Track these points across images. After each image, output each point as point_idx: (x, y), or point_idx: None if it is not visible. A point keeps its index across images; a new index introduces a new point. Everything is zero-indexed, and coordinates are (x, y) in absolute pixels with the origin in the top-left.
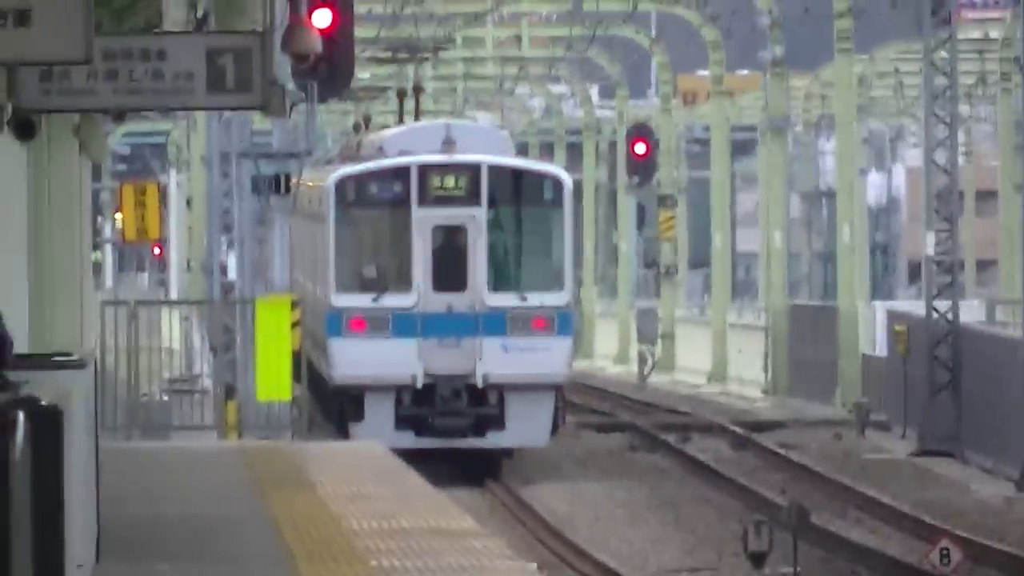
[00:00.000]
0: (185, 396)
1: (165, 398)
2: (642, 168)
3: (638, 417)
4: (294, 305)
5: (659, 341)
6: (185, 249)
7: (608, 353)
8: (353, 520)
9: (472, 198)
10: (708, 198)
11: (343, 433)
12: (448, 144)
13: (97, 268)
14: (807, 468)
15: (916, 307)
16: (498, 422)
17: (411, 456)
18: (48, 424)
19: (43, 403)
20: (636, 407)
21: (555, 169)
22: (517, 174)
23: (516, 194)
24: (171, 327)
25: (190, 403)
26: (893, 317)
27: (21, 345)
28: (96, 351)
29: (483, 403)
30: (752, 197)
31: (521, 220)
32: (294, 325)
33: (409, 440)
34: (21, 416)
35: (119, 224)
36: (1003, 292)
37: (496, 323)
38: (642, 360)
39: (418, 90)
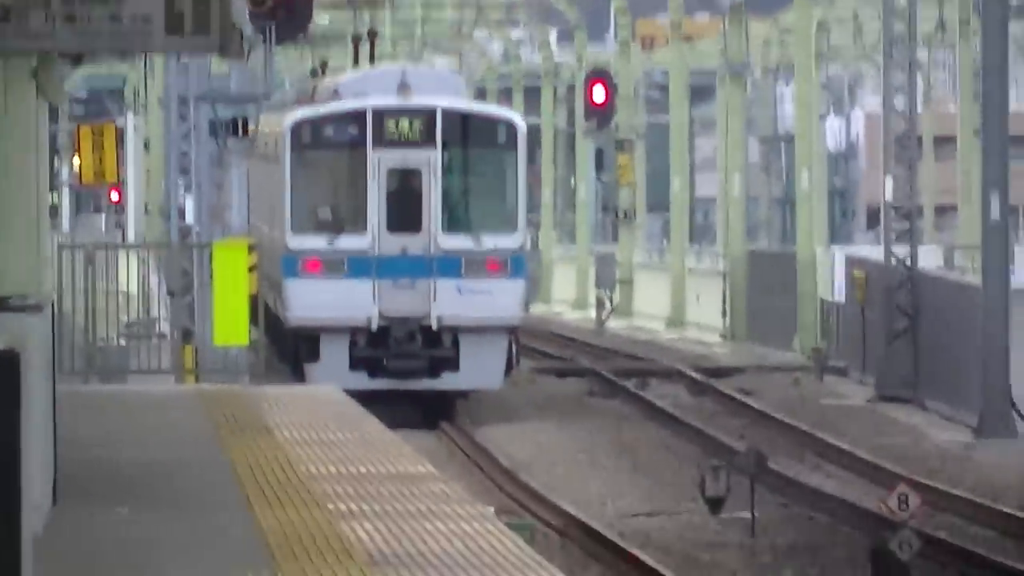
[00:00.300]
0: (143, 340)
1: (122, 342)
2: (600, 113)
3: (596, 362)
4: (251, 249)
5: (617, 286)
6: (143, 192)
7: (566, 298)
8: (311, 464)
9: (427, 141)
10: (667, 143)
11: (298, 374)
12: (404, 88)
13: (54, 211)
14: (765, 414)
15: (874, 253)
16: (452, 364)
17: (367, 398)
18: (5, 368)
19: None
20: (594, 352)
21: (509, 113)
22: (471, 118)
23: (470, 138)
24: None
25: (147, 347)
26: (851, 263)
27: None
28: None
29: (437, 345)
30: (711, 142)
31: (475, 163)
32: (251, 269)
33: (364, 381)
34: None
35: (76, 167)
36: (961, 238)
37: (450, 265)
38: (600, 305)
39: (372, 35)
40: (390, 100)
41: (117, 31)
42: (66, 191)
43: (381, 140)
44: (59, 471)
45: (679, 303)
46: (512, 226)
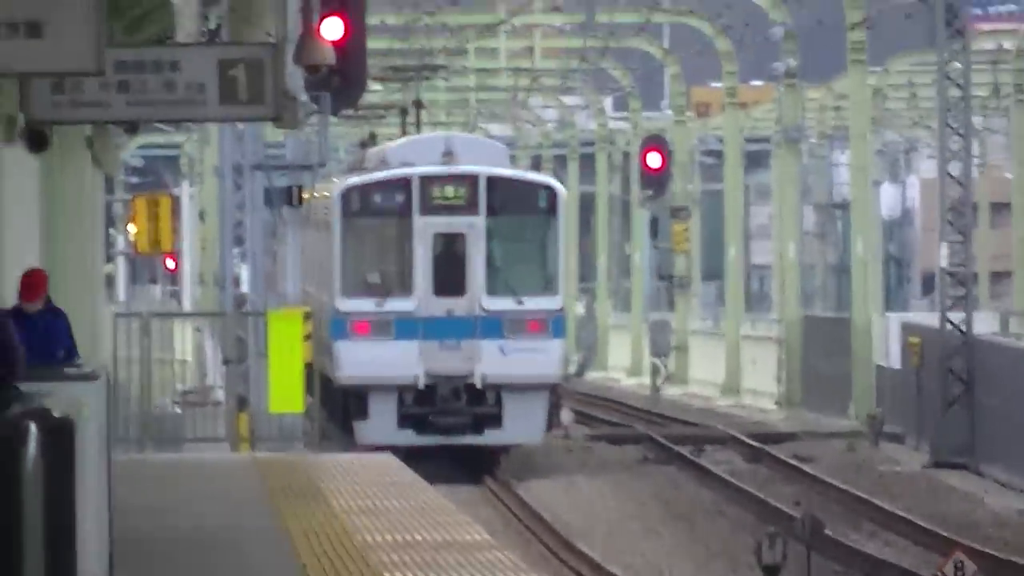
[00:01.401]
0: (198, 408)
1: (178, 410)
2: (656, 180)
3: (652, 429)
4: (306, 318)
5: (672, 353)
6: (198, 261)
7: (622, 365)
8: (366, 533)
9: (470, 207)
10: (722, 210)
11: (348, 432)
12: (448, 155)
13: (110, 280)
14: (821, 480)
15: (930, 319)
16: (496, 420)
17: (414, 453)
18: (60, 436)
19: (55, 415)
20: (650, 419)
21: (549, 179)
22: (513, 184)
23: (512, 203)
24: (184, 339)
25: (203, 415)
26: (907, 329)
27: None
28: (109, 363)
29: (481, 402)
30: (766, 209)
31: (517, 228)
32: (306, 338)
33: (411, 438)
34: (33, 428)
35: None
36: (1017, 304)
37: (493, 326)
38: (655, 372)
39: (419, 105)
40: (435, 167)
41: (172, 100)
42: (122, 260)
43: (427, 206)
44: (114, 542)
45: (734, 370)
46: (552, 288)
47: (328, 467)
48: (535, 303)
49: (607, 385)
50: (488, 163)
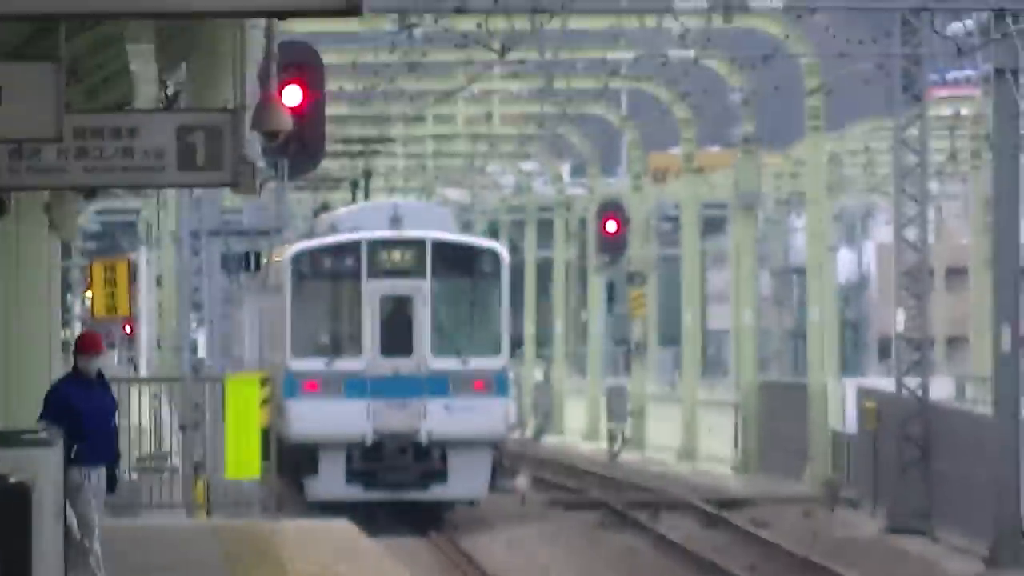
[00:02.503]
0: (155, 474)
1: (135, 476)
2: (613, 245)
3: (608, 494)
4: (263, 383)
5: (629, 418)
6: (155, 326)
7: (579, 429)
8: None
9: (417, 270)
10: (679, 275)
11: (298, 488)
12: (395, 221)
13: (66, 346)
14: (778, 546)
15: (886, 384)
16: (441, 476)
17: (361, 508)
18: (16, 501)
19: (11, 480)
20: (606, 484)
21: (493, 244)
22: (459, 248)
23: (457, 267)
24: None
25: (159, 481)
26: (863, 394)
27: None
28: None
29: (427, 459)
30: (723, 274)
31: (462, 290)
32: (263, 403)
33: (359, 493)
34: None
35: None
36: (973, 368)
37: (439, 385)
38: (612, 437)
39: (367, 176)
40: (383, 232)
41: (130, 166)
42: (78, 325)
43: (375, 270)
44: None
45: (691, 435)
46: (497, 348)
47: (285, 533)
48: (479, 363)
49: (564, 449)
50: (434, 228)
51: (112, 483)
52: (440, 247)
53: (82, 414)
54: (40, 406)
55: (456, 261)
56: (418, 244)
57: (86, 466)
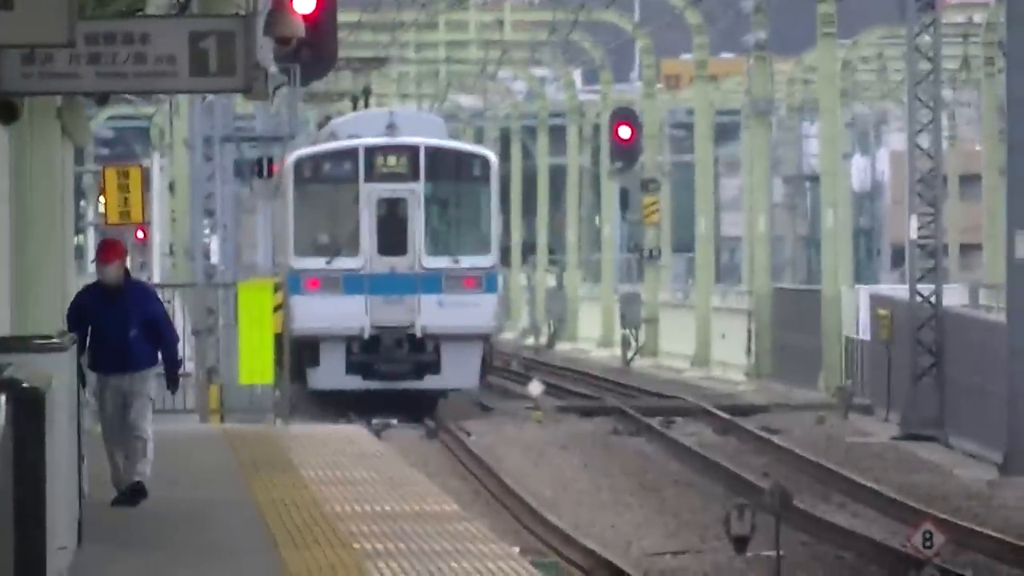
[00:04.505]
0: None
1: None
2: (626, 152)
3: (622, 401)
4: (276, 289)
5: (643, 325)
6: (168, 233)
7: (592, 337)
8: (336, 504)
9: (411, 175)
10: (692, 182)
11: (301, 378)
12: (391, 128)
13: (80, 251)
14: (790, 452)
15: (899, 291)
16: (435, 367)
17: (361, 397)
18: (30, 407)
19: (25, 385)
20: (620, 391)
21: (483, 150)
22: (450, 154)
23: (449, 171)
24: None
25: None
26: (876, 301)
27: (3, 328)
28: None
29: (422, 351)
30: (736, 182)
31: (453, 193)
32: (276, 309)
33: (358, 383)
34: (3, 398)
35: (102, 207)
36: (986, 276)
37: (433, 282)
38: (626, 344)
39: (367, 93)
40: (379, 139)
41: (142, 72)
42: (92, 231)
43: (372, 174)
44: (84, 511)
45: (704, 342)
46: (487, 248)
47: (298, 439)
48: (470, 261)
49: (577, 356)
50: (428, 135)
51: (172, 382)
52: (432, 152)
53: (96, 323)
54: (53, 312)
55: (448, 166)
56: (412, 149)
57: (102, 374)
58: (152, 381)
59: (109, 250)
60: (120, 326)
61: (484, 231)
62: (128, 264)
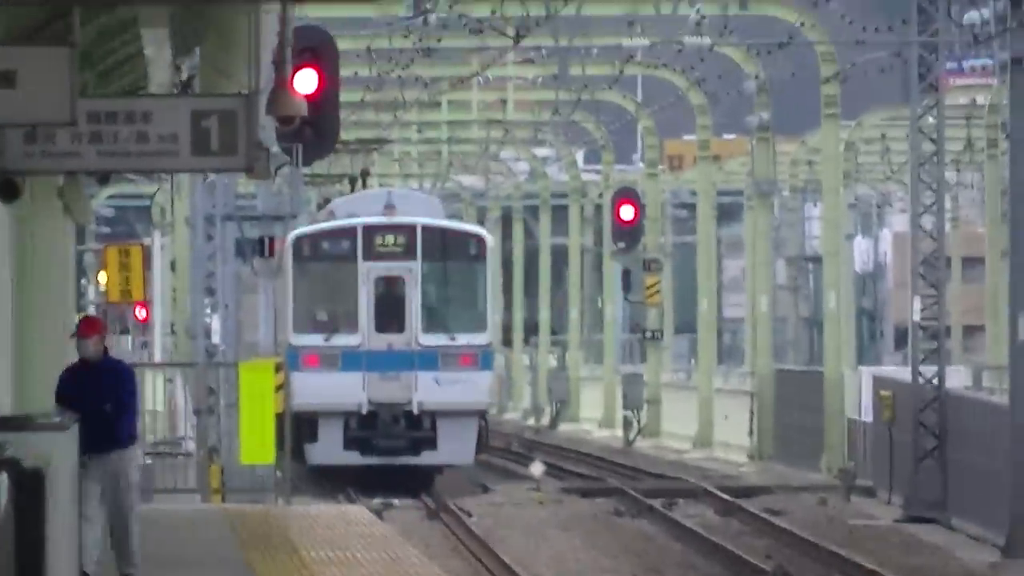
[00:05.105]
0: (168, 459)
1: (148, 461)
2: (628, 233)
3: (624, 482)
4: (277, 368)
5: (645, 406)
6: (169, 311)
7: (594, 417)
8: None
9: (409, 253)
10: (694, 263)
11: (299, 454)
12: (389, 208)
13: None
14: (793, 534)
15: (902, 373)
16: (431, 443)
17: (358, 472)
18: (31, 486)
19: (25, 465)
20: (622, 471)
21: (479, 229)
22: (446, 233)
23: (445, 250)
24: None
25: (173, 466)
26: (879, 382)
27: (4, 407)
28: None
29: (418, 427)
30: (738, 262)
31: (449, 272)
32: (277, 388)
33: (356, 458)
34: (4, 478)
35: (103, 285)
36: (989, 358)
37: (429, 359)
38: (628, 425)
39: (365, 174)
40: (377, 218)
41: (144, 151)
42: (92, 310)
43: (370, 252)
44: None
45: (706, 423)
46: (482, 326)
47: (300, 518)
48: (466, 339)
49: (579, 437)
50: (425, 215)
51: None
52: (429, 232)
53: (73, 400)
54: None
55: (444, 245)
56: (409, 229)
57: (83, 452)
58: (135, 461)
59: (88, 326)
60: (96, 401)
61: (480, 309)
62: (106, 342)
